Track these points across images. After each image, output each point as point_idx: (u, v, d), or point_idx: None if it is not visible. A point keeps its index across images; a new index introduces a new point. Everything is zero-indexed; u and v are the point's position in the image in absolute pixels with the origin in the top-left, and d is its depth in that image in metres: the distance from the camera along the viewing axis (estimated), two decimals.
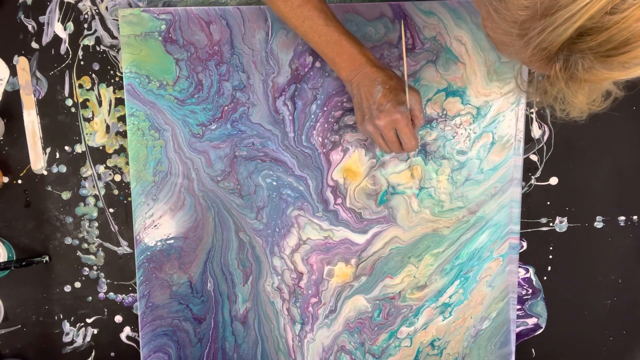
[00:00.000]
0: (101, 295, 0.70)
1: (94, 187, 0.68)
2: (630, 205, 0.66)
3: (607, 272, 0.67)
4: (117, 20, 0.65)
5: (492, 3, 0.40)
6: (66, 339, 0.70)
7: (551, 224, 0.67)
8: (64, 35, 0.66)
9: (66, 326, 0.70)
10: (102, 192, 0.68)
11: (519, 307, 0.68)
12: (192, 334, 0.68)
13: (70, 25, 0.66)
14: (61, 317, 0.70)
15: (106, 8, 0.66)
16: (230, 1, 0.65)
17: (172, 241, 0.67)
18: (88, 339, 0.70)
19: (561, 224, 0.67)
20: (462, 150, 0.65)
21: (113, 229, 0.69)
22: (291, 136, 0.65)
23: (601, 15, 0.36)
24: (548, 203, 0.66)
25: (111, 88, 0.67)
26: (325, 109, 0.65)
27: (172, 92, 0.65)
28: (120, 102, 0.67)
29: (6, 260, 0.67)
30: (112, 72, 0.67)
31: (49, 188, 0.68)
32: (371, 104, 0.56)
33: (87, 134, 0.67)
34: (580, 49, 0.38)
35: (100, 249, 0.69)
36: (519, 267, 0.67)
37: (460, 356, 0.68)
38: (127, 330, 0.70)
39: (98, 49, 0.66)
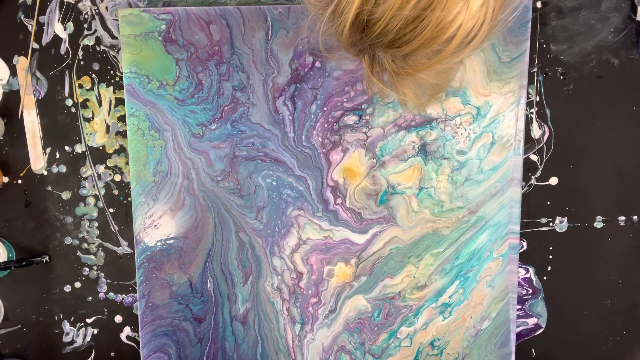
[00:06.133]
0: (101, 295, 0.70)
1: (94, 187, 0.68)
2: (630, 205, 0.66)
3: (607, 272, 0.67)
4: (117, 20, 0.65)
5: None
6: (66, 339, 0.71)
7: (551, 224, 0.67)
8: (64, 35, 0.66)
9: (66, 326, 0.70)
10: (102, 192, 0.68)
11: (519, 307, 0.68)
12: (192, 334, 0.68)
13: (70, 25, 0.66)
14: (61, 317, 0.70)
15: (106, 8, 0.66)
16: (230, 1, 0.65)
17: (172, 241, 0.67)
18: (88, 339, 0.70)
19: (561, 224, 0.66)
20: (462, 150, 0.65)
21: (113, 229, 0.69)
22: (291, 136, 0.65)
23: (372, 5, 0.40)
24: (548, 203, 0.66)
25: (111, 88, 0.67)
26: (325, 109, 0.65)
27: (172, 92, 0.65)
28: (120, 102, 0.67)
29: (6, 260, 0.67)
30: (112, 72, 0.67)
31: (49, 188, 0.68)
32: None
33: (87, 134, 0.67)
34: (372, 42, 0.43)
35: (100, 249, 0.69)
36: (519, 267, 0.67)
37: (460, 356, 0.68)
38: (127, 330, 0.70)
39: (98, 49, 0.66)
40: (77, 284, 0.70)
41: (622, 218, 0.66)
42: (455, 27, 0.40)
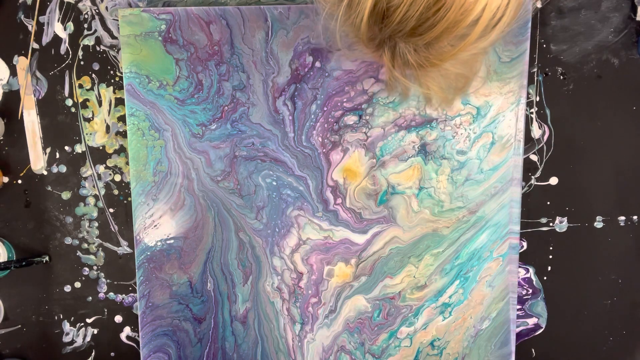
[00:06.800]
0: (101, 295, 0.70)
1: (94, 187, 0.68)
2: (630, 205, 0.66)
3: (607, 272, 0.67)
4: (117, 20, 0.65)
5: None
6: (66, 339, 0.71)
7: (551, 224, 0.67)
8: (64, 35, 0.66)
9: (66, 326, 0.70)
10: (102, 192, 0.68)
11: (519, 307, 0.68)
12: (192, 334, 0.68)
13: (70, 25, 0.66)
14: (61, 317, 0.70)
15: (106, 8, 0.66)
16: (230, 1, 0.65)
17: (172, 241, 0.67)
18: (88, 339, 0.70)
19: (561, 224, 0.66)
20: (462, 150, 0.65)
21: (113, 229, 0.69)
22: (291, 136, 0.65)
23: None
24: (548, 203, 0.66)
25: (111, 88, 0.67)
26: (325, 109, 0.65)
27: (172, 92, 0.65)
28: (120, 102, 0.67)
29: (6, 260, 0.67)
30: (112, 72, 0.67)
31: (49, 188, 0.68)
32: None
33: (87, 134, 0.67)
34: (392, 32, 0.40)
35: (100, 249, 0.69)
36: (519, 267, 0.67)
37: (460, 356, 0.68)
38: (127, 330, 0.70)
39: (98, 49, 0.66)
40: (77, 284, 0.70)
41: (622, 218, 0.66)
42: (480, 8, 0.37)
